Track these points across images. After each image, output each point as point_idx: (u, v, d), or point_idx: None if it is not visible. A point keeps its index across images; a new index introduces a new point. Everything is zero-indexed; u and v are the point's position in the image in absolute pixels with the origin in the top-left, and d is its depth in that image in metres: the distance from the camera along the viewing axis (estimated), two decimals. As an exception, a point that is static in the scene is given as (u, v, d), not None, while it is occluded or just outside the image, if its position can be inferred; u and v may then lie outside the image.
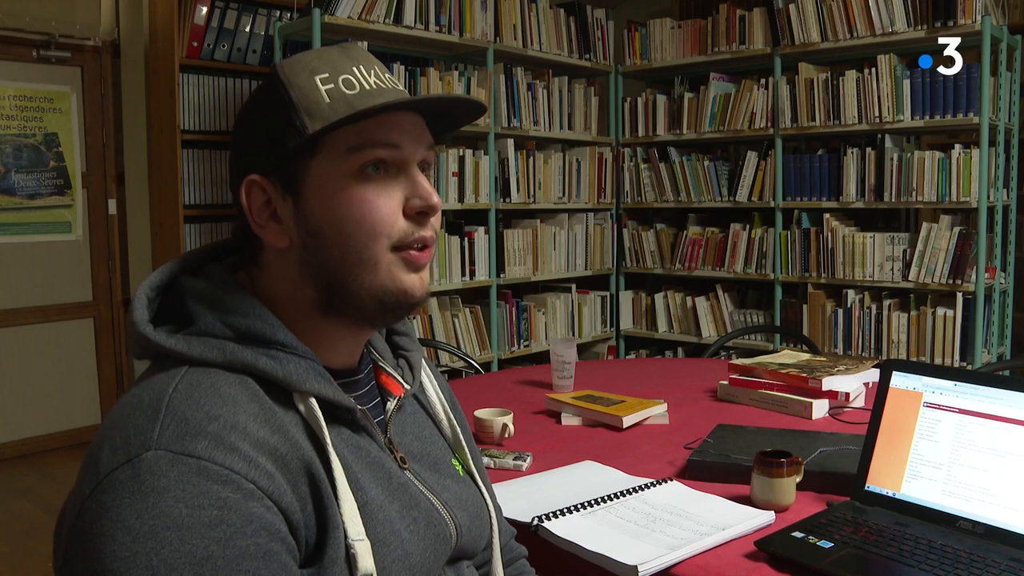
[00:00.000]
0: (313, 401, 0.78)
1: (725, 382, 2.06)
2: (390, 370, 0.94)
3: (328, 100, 0.79)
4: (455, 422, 1.00)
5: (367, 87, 0.80)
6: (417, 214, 0.81)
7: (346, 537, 0.74)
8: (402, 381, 0.93)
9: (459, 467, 0.97)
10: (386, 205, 0.80)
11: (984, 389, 1.24)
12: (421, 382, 0.99)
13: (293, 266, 0.82)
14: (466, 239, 3.80)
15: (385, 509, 0.80)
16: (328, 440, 0.76)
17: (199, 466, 0.67)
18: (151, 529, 0.64)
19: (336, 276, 0.80)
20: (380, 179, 0.80)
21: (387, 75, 0.83)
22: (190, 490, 0.66)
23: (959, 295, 3.44)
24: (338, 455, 0.77)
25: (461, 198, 3.74)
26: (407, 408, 0.95)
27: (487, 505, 0.98)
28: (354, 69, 0.81)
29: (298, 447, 0.74)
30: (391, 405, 0.90)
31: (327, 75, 0.80)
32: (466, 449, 0.99)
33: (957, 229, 3.47)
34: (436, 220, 0.84)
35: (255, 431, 0.71)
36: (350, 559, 0.74)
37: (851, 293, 3.76)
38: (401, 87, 0.84)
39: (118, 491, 0.66)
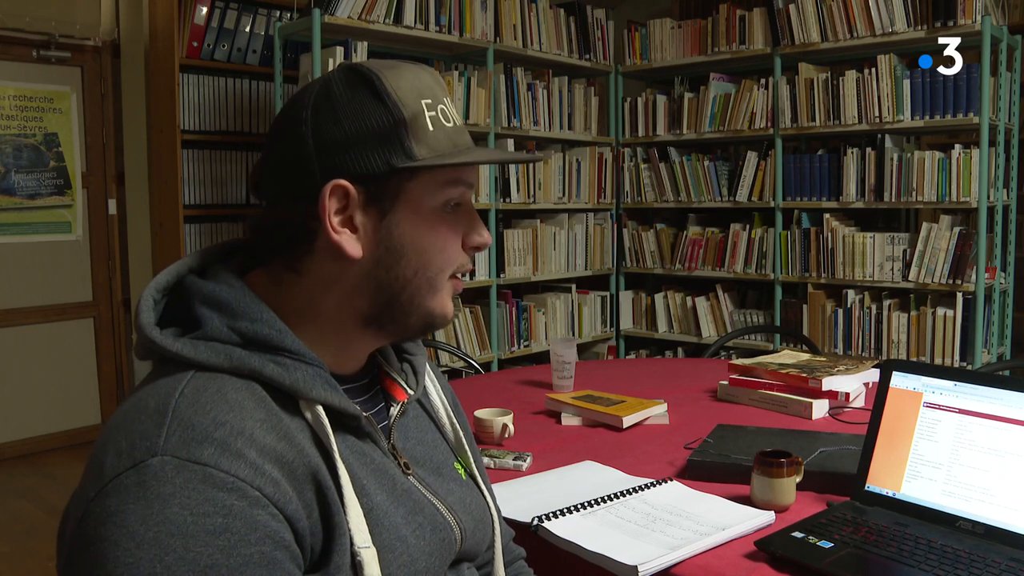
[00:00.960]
0: (320, 409, 0.77)
1: (725, 382, 2.06)
2: (395, 375, 0.93)
3: (431, 128, 0.80)
4: (458, 425, 1.00)
5: (457, 123, 0.84)
6: (472, 248, 0.86)
7: (352, 544, 0.74)
8: (406, 386, 0.93)
9: (462, 470, 0.97)
10: (456, 239, 0.85)
11: (984, 389, 1.24)
12: (424, 386, 0.99)
13: (351, 277, 0.81)
14: (466, 239, 3.80)
15: (390, 515, 0.80)
16: (335, 448, 0.76)
17: (205, 473, 0.67)
18: (155, 536, 0.64)
19: (400, 294, 0.82)
20: (454, 212, 0.84)
21: None
22: (195, 497, 0.66)
23: (959, 295, 3.44)
24: (344, 462, 0.77)
25: (461, 198, 3.74)
26: (410, 412, 0.94)
27: (489, 507, 0.98)
28: (445, 100, 0.83)
29: (304, 454, 0.74)
30: (395, 410, 0.90)
31: (430, 101, 0.81)
32: (468, 452, 0.99)
33: (957, 229, 3.46)
34: None
35: (261, 438, 0.71)
36: (356, 566, 0.74)
37: (851, 293, 3.76)
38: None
39: (123, 496, 0.66)
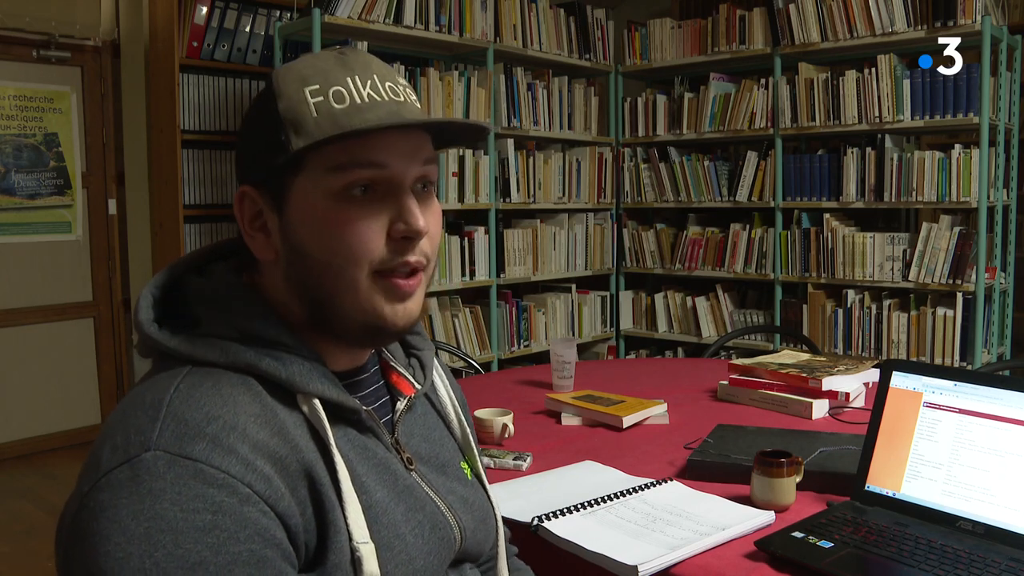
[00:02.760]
0: (316, 402, 0.77)
1: (725, 382, 2.06)
2: (401, 369, 0.93)
3: (315, 115, 0.76)
4: (466, 424, 0.99)
5: (357, 100, 0.76)
6: (402, 239, 0.78)
7: (350, 540, 0.74)
8: (413, 381, 0.93)
9: (468, 470, 0.96)
10: (367, 229, 0.76)
11: (984, 389, 1.24)
12: (433, 382, 0.98)
13: (278, 279, 0.82)
14: (466, 239, 3.80)
15: (390, 512, 0.80)
16: (332, 442, 0.76)
17: (196, 468, 0.67)
18: (146, 531, 0.64)
19: (318, 295, 0.79)
20: (365, 200, 0.77)
21: (387, 84, 0.79)
22: (186, 493, 0.66)
23: (959, 295, 3.44)
24: (343, 456, 0.77)
25: (461, 198, 3.74)
26: (417, 408, 0.94)
27: (493, 509, 0.97)
28: (348, 80, 0.77)
29: (299, 450, 0.74)
30: (400, 405, 0.90)
31: (317, 86, 0.77)
32: (475, 452, 0.98)
33: (957, 229, 3.46)
34: (428, 244, 0.80)
35: (254, 433, 0.71)
36: (355, 562, 0.74)
37: (851, 293, 3.76)
38: (401, 97, 0.80)
39: (116, 491, 0.66)
